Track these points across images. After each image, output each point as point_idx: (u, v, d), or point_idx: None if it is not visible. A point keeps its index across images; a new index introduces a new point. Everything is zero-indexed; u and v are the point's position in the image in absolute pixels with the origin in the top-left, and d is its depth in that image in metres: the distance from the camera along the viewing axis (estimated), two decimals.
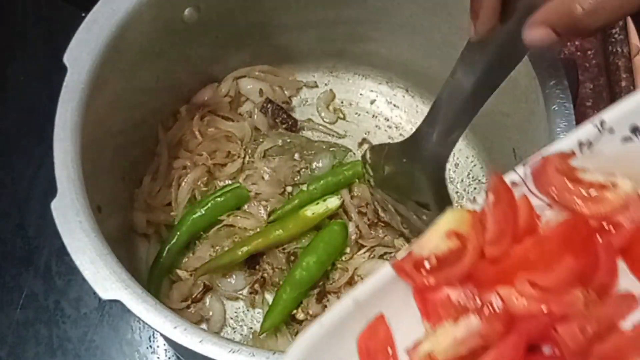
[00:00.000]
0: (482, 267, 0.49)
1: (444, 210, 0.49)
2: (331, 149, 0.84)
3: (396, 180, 0.72)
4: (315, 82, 0.90)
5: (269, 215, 0.80)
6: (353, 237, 0.79)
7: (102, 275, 0.57)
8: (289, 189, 0.82)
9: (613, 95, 0.89)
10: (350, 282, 0.78)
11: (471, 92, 0.62)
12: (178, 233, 0.78)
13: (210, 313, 0.78)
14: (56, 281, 0.84)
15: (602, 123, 0.51)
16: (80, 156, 0.62)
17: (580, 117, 0.62)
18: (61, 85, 0.63)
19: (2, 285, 0.83)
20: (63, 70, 0.64)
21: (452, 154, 0.86)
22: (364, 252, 0.79)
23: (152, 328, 0.56)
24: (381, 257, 0.79)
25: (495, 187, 0.50)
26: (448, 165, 0.80)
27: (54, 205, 0.59)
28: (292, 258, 0.78)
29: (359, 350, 0.48)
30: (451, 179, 0.85)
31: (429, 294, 0.49)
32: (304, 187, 0.81)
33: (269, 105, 0.86)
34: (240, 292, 0.79)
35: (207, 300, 0.78)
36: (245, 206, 0.81)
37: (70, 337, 0.81)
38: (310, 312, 0.76)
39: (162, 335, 0.56)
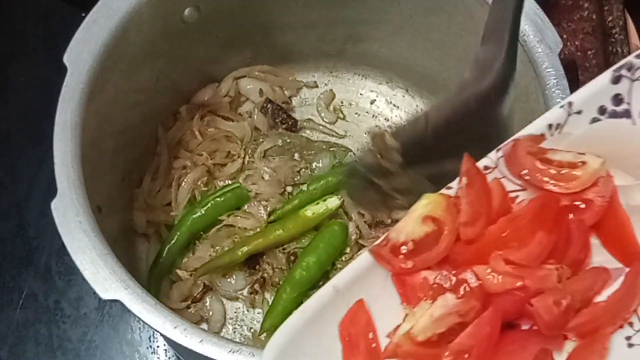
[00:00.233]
0: (458, 249, 0.50)
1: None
2: (331, 149, 0.84)
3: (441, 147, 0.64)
4: (315, 82, 0.90)
5: (269, 215, 0.80)
6: (353, 237, 0.79)
7: (102, 275, 0.57)
8: (289, 189, 0.82)
9: None
10: None
11: None
12: (178, 233, 0.78)
13: (210, 313, 0.78)
14: (56, 281, 0.84)
15: (570, 105, 0.52)
16: (80, 156, 0.62)
17: None
18: (61, 85, 0.63)
19: (2, 285, 0.83)
20: (63, 70, 0.64)
21: None
22: None
23: (152, 328, 0.56)
24: None
25: (468, 171, 0.51)
26: None
27: (54, 205, 0.59)
28: (292, 258, 0.78)
29: (341, 336, 0.49)
30: None
31: (407, 278, 0.50)
32: (304, 187, 0.81)
33: (269, 105, 0.86)
34: (240, 292, 0.79)
35: (207, 300, 0.78)
36: (245, 206, 0.81)
37: (70, 337, 0.81)
38: None
39: (162, 335, 0.56)
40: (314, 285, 0.76)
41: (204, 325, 0.78)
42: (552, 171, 0.52)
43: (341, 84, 0.91)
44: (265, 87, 0.87)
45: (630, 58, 0.52)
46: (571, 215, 0.52)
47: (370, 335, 0.49)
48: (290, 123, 0.86)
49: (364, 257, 0.50)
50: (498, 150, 0.52)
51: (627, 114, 0.53)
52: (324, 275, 0.77)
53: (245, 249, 0.76)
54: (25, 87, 0.94)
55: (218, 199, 0.79)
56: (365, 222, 0.79)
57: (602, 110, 0.53)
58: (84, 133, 0.63)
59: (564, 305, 0.49)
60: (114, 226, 0.75)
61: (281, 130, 0.85)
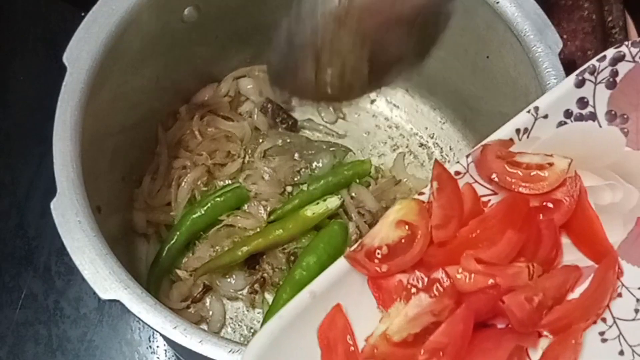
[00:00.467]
0: (432, 252, 0.51)
1: None
2: (331, 149, 0.84)
3: None
4: None
5: (269, 215, 0.80)
6: (353, 237, 0.79)
7: (102, 275, 0.57)
8: (289, 189, 0.82)
9: None
10: None
11: None
12: (178, 233, 0.78)
13: (210, 313, 0.78)
14: (56, 281, 0.84)
15: (536, 110, 0.54)
16: (80, 156, 0.62)
17: None
18: (61, 85, 0.63)
19: (2, 285, 0.83)
20: (63, 70, 0.64)
21: (452, 155, 0.87)
22: None
23: (151, 328, 0.56)
24: None
25: (438, 175, 0.52)
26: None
27: (54, 205, 0.59)
28: (292, 258, 0.78)
29: (320, 340, 0.49)
30: None
31: (383, 282, 0.51)
32: (304, 187, 0.81)
33: (269, 105, 0.86)
34: (240, 292, 0.79)
35: (207, 300, 0.78)
36: (245, 206, 0.81)
37: (69, 337, 0.81)
38: None
39: (162, 335, 0.56)
40: None
41: (204, 325, 0.78)
42: (521, 173, 0.53)
43: None
44: (266, 87, 0.87)
45: (593, 61, 0.54)
46: (541, 216, 0.53)
47: (348, 339, 0.50)
48: (290, 123, 0.86)
49: (340, 263, 0.51)
50: (468, 155, 0.54)
51: (592, 116, 0.54)
52: None
53: (245, 249, 0.76)
54: (25, 87, 0.94)
55: (218, 199, 0.79)
56: (365, 222, 0.79)
57: (568, 114, 0.54)
58: (84, 133, 0.63)
59: (536, 302, 0.50)
60: (114, 226, 0.75)
61: (281, 130, 0.85)
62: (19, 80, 0.94)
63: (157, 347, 0.81)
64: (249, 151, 0.84)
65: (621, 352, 0.51)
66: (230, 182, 0.82)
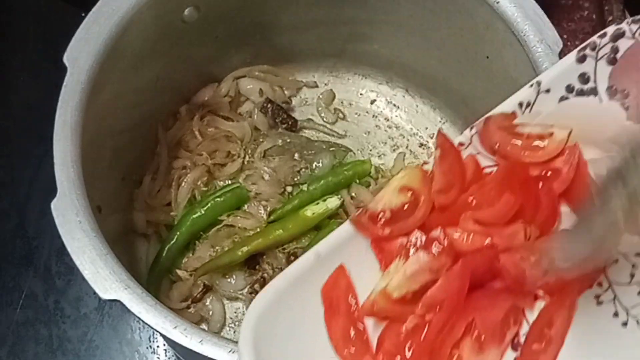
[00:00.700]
0: (433, 217, 0.53)
1: None
2: (331, 149, 0.84)
3: None
4: (315, 82, 0.90)
5: (269, 215, 0.80)
6: None
7: (102, 275, 0.57)
8: (289, 189, 0.82)
9: None
10: None
11: None
12: (178, 233, 0.78)
13: (210, 313, 0.78)
14: (56, 281, 0.84)
15: (538, 84, 0.55)
16: (80, 156, 0.62)
17: None
18: (61, 85, 0.63)
19: (2, 285, 0.83)
20: (63, 70, 0.64)
21: None
22: None
23: (152, 328, 0.56)
24: None
25: (441, 143, 0.54)
26: None
27: (54, 205, 0.59)
28: (292, 258, 0.78)
29: (323, 300, 0.51)
30: None
31: (385, 245, 0.53)
32: (304, 187, 0.81)
33: (269, 105, 0.86)
34: (240, 292, 0.79)
35: (207, 300, 0.78)
36: (245, 206, 0.81)
37: (70, 337, 0.81)
38: None
39: (162, 335, 0.56)
40: None
41: (204, 325, 0.78)
42: (521, 143, 0.55)
43: (341, 84, 0.91)
44: (265, 87, 0.87)
45: (594, 38, 0.55)
46: (541, 184, 0.54)
47: (350, 299, 0.52)
48: (290, 123, 0.86)
49: (345, 226, 0.53)
50: (472, 128, 0.55)
51: (593, 91, 0.55)
52: None
53: (245, 249, 0.76)
54: (25, 87, 0.94)
55: (218, 199, 0.79)
56: None
57: (570, 89, 0.55)
58: (84, 133, 0.63)
59: (532, 262, 0.51)
60: (114, 226, 0.75)
61: (281, 130, 0.85)
62: (19, 80, 0.94)
63: (157, 347, 0.81)
64: (249, 151, 0.84)
65: (616, 314, 0.52)
66: (230, 182, 0.82)
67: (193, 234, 0.79)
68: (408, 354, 0.50)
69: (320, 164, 0.83)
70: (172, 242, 0.78)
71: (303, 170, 0.82)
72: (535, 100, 0.55)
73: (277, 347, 0.49)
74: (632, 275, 0.53)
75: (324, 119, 0.89)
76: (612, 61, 0.54)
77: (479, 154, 0.56)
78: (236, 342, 0.55)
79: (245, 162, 0.84)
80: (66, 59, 0.64)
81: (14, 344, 0.81)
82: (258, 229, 0.79)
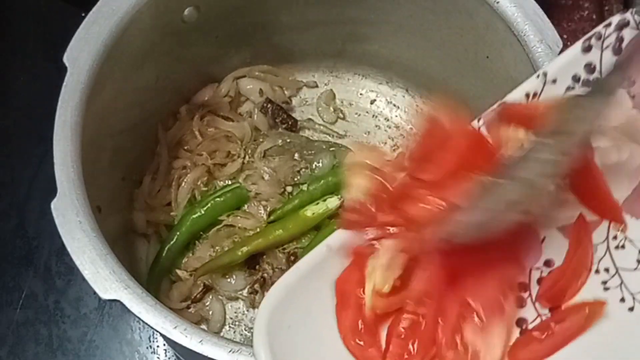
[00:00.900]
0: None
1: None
2: (331, 149, 0.84)
3: None
4: (315, 82, 0.90)
5: (269, 215, 0.80)
6: None
7: (102, 275, 0.57)
8: (289, 189, 0.82)
9: None
10: None
11: None
12: (178, 233, 0.78)
13: (210, 313, 0.78)
14: (56, 281, 0.84)
15: (545, 75, 0.55)
16: (80, 156, 0.62)
17: None
18: (61, 85, 0.63)
19: (2, 285, 0.83)
20: (63, 70, 0.64)
21: None
22: None
23: (152, 328, 0.56)
24: None
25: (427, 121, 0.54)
26: None
27: (54, 205, 0.59)
28: (292, 258, 0.78)
29: (336, 292, 0.52)
30: None
31: (361, 250, 0.53)
32: (304, 187, 0.81)
33: (269, 105, 0.86)
34: (240, 292, 0.79)
35: (207, 300, 0.78)
36: (245, 206, 0.81)
37: (70, 337, 0.81)
38: None
39: (162, 335, 0.56)
40: None
41: (204, 325, 0.78)
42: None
43: (341, 84, 0.91)
44: (265, 87, 0.87)
45: (600, 28, 0.55)
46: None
47: (361, 292, 0.52)
48: (290, 123, 0.86)
49: None
50: (479, 119, 0.55)
51: None
52: None
53: (245, 249, 0.76)
54: (25, 87, 0.94)
55: (218, 199, 0.79)
56: None
57: (576, 79, 0.55)
58: (84, 133, 0.63)
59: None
60: (114, 226, 0.75)
61: (281, 130, 0.85)
62: (19, 80, 0.94)
63: (157, 347, 0.81)
64: (249, 151, 0.84)
65: (622, 300, 0.52)
66: (230, 182, 0.82)
67: (193, 234, 0.79)
68: (413, 350, 0.51)
69: (320, 164, 0.82)
70: (172, 242, 0.78)
71: (303, 170, 0.82)
72: (541, 91, 0.55)
73: (290, 338, 0.50)
74: (639, 261, 0.53)
75: (324, 119, 0.89)
76: (617, 51, 0.54)
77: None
78: (236, 342, 0.55)
79: (245, 162, 0.84)
80: (66, 59, 0.64)
81: (14, 344, 0.81)
82: (258, 229, 0.79)
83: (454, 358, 0.51)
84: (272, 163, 0.83)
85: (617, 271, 0.53)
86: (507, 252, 0.54)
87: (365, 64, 0.89)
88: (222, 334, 0.78)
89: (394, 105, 0.89)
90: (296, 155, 0.83)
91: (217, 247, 0.79)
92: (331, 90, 0.90)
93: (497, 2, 0.67)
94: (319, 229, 0.79)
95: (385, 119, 0.89)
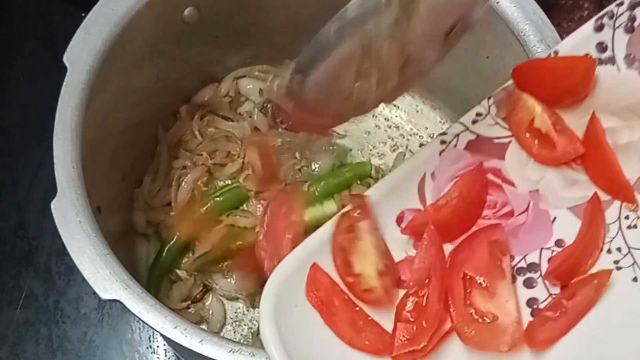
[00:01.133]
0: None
1: None
2: (331, 149, 0.84)
3: None
4: None
5: None
6: None
7: (102, 275, 0.57)
8: (289, 188, 0.82)
9: None
10: None
11: None
12: (178, 233, 0.78)
13: (210, 313, 0.78)
14: (56, 281, 0.84)
15: (556, 54, 0.56)
16: (80, 156, 0.62)
17: None
18: (61, 85, 0.63)
19: (2, 285, 0.83)
20: (63, 70, 0.64)
21: None
22: None
23: (152, 328, 0.56)
24: None
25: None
26: None
27: (54, 205, 0.59)
28: None
29: (314, 305, 0.52)
30: None
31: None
32: (305, 188, 0.80)
33: (268, 105, 0.85)
34: (240, 292, 0.79)
35: (207, 300, 0.78)
36: (245, 206, 0.81)
37: (70, 337, 0.81)
38: None
39: (162, 335, 0.56)
40: None
41: (204, 325, 0.78)
42: None
43: None
44: (265, 87, 0.87)
45: (612, 7, 0.56)
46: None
47: (338, 290, 0.52)
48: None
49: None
50: (489, 97, 0.57)
51: (611, 60, 0.56)
52: None
53: (239, 243, 0.76)
54: (25, 87, 0.94)
55: (217, 198, 0.79)
56: None
57: None
58: (84, 133, 0.63)
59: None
60: (114, 226, 0.75)
61: (281, 130, 0.85)
62: (19, 80, 0.94)
63: (157, 347, 0.81)
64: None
65: (635, 279, 0.52)
66: (230, 182, 0.82)
67: (191, 233, 0.79)
68: (423, 329, 0.51)
69: (320, 164, 0.82)
70: (172, 242, 0.78)
71: (304, 168, 0.82)
72: None
73: (296, 318, 0.50)
74: None
75: None
76: (630, 29, 0.55)
77: (497, 124, 0.57)
78: (236, 342, 0.55)
79: (245, 162, 0.84)
80: (66, 59, 0.64)
81: (14, 344, 0.81)
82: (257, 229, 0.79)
83: (476, 329, 0.51)
84: None
85: (629, 251, 0.53)
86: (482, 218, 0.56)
87: None
88: (222, 334, 0.77)
89: (394, 105, 0.89)
90: (297, 154, 0.83)
91: (217, 248, 0.79)
92: None
93: (497, 2, 0.67)
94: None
95: (385, 119, 0.89)
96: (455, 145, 0.57)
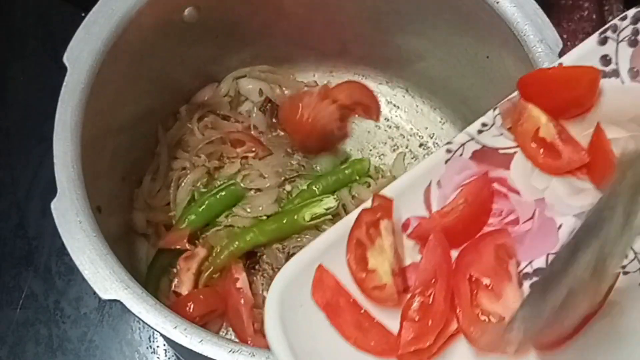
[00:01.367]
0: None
1: None
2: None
3: None
4: (316, 82, 0.90)
5: (268, 215, 0.80)
6: None
7: (102, 275, 0.57)
8: (289, 187, 0.82)
9: None
10: None
11: None
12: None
13: None
14: (56, 281, 0.84)
15: (560, 66, 0.56)
16: (80, 156, 0.62)
17: None
18: (61, 85, 0.63)
19: (2, 285, 0.83)
20: (63, 70, 0.64)
21: None
22: None
23: (152, 328, 0.56)
24: None
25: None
26: None
27: (54, 205, 0.59)
28: None
29: (321, 307, 0.52)
30: None
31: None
32: (305, 187, 0.81)
33: (268, 105, 0.86)
34: None
35: None
36: (244, 205, 0.81)
37: (70, 337, 0.81)
38: None
39: (162, 335, 0.56)
40: None
41: None
42: None
43: None
44: (265, 87, 0.87)
45: (615, 20, 0.56)
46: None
47: (344, 291, 0.53)
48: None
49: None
50: (495, 108, 0.57)
51: (615, 73, 0.56)
52: None
53: (237, 243, 0.76)
54: (25, 87, 0.94)
55: (213, 197, 0.79)
56: None
57: None
58: (84, 133, 0.63)
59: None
60: (114, 226, 0.75)
61: (280, 130, 0.85)
62: (19, 80, 0.94)
63: (157, 347, 0.81)
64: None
65: None
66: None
67: (191, 233, 0.79)
68: (428, 329, 0.51)
69: (321, 164, 0.83)
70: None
71: (303, 168, 0.82)
72: None
73: (301, 318, 0.50)
74: None
75: None
76: (633, 43, 0.55)
77: (502, 135, 0.57)
78: (236, 342, 0.55)
79: (245, 162, 0.84)
80: (66, 59, 0.64)
81: (14, 344, 0.81)
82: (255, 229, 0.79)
83: (482, 330, 0.51)
84: (271, 162, 0.82)
85: (635, 256, 0.53)
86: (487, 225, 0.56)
87: (365, 64, 0.89)
88: (222, 334, 0.77)
89: (394, 105, 0.89)
90: (296, 154, 0.83)
91: (217, 248, 0.79)
92: None
93: (497, 2, 0.67)
94: (319, 228, 0.79)
95: (385, 119, 0.89)
96: (461, 155, 0.57)
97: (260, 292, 0.78)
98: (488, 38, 0.71)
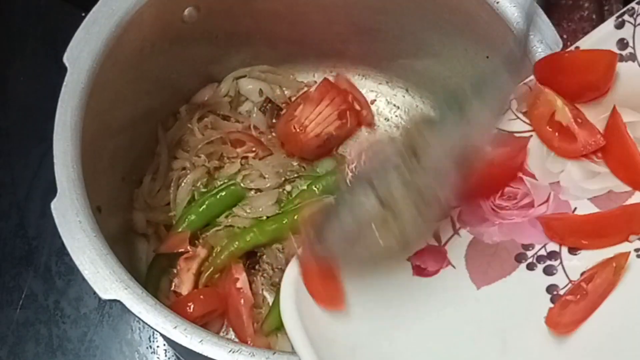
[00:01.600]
0: None
1: None
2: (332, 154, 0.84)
3: None
4: (316, 82, 0.90)
5: (268, 216, 0.80)
6: None
7: (102, 275, 0.57)
8: (289, 188, 0.82)
9: None
10: None
11: None
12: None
13: None
14: (56, 281, 0.84)
15: (577, 49, 0.56)
16: (80, 156, 0.62)
17: None
18: (61, 85, 0.63)
19: (2, 285, 0.83)
20: (63, 70, 0.64)
21: None
22: None
23: (152, 328, 0.56)
24: None
25: None
26: None
27: (54, 205, 0.59)
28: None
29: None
30: None
31: None
32: (305, 187, 0.81)
33: (268, 105, 0.86)
34: None
35: None
36: (243, 205, 0.81)
37: (70, 337, 0.81)
38: None
39: (162, 335, 0.56)
40: None
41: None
42: None
43: None
44: (265, 87, 0.87)
45: (633, 4, 0.56)
46: None
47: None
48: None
49: None
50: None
51: (632, 57, 0.56)
52: None
53: (237, 243, 0.76)
54: (25, 87, 0.94)
55: (213, 197, 0.79)
56: None
57: None
58: (84, 133, 0.63)
59: None
60: (114, 226, 0.75)
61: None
62: (19, 80, 0.94)
63: (157, 347, 0.81)
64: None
65: None
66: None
67: (192, 233, 0.79)
68: None
69: (321, 165, 0.83)
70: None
71: (304, 168, 0.82)
72: None
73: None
74: None
75: None
76: None
77: (518, 118, 0.57)
78: (236, 342, 0.55)
79: (245, 162, 0.84)
80: (66, 59, 0.64)
81: (14, 344, 0.81)
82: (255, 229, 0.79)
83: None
84: (271, 162, 0.82)
85: None
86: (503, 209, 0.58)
87: (365, 64, 0.89)
88: (222, 334, 0.77)
89: (394, 105, 0.89)
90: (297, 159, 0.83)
91: (217, 248, 0.79)
92: None
93: (497, 2, 0.67)
94: None
95: (385, 119, 0.89)
96: None
97: (260, 292, 0.78)
98: (488, 38, 0.71)
